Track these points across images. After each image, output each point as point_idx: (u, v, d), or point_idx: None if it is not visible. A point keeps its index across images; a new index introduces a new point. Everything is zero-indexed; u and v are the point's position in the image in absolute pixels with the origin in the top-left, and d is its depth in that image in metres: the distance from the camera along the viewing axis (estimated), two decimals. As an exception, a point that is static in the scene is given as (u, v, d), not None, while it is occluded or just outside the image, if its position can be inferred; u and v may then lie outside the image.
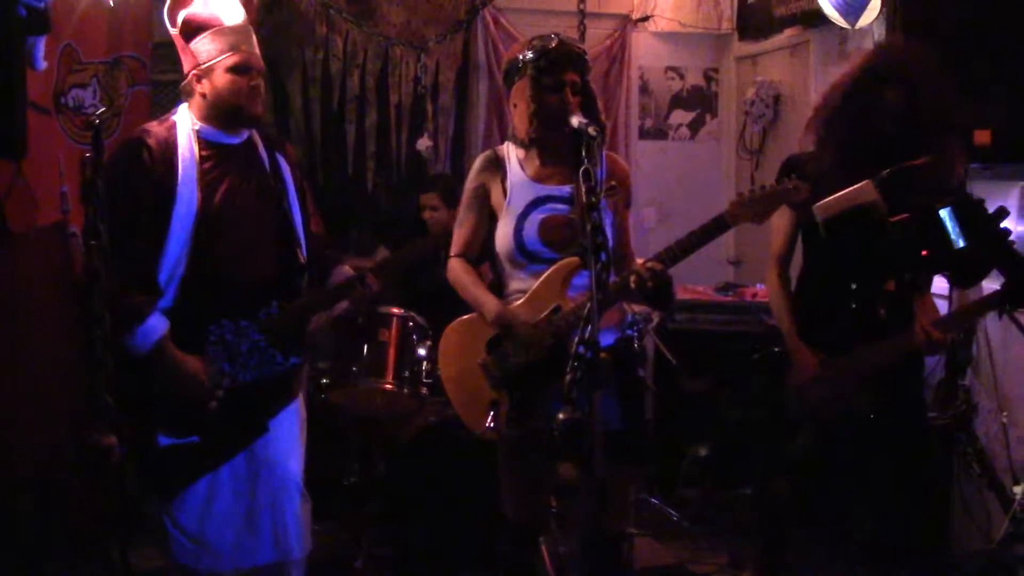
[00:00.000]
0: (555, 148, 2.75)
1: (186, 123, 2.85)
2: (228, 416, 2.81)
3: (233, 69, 2.81)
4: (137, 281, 2.70)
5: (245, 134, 2.94)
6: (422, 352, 3.76)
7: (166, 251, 2.74)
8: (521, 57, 2.75)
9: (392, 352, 3.72)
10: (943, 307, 3.42)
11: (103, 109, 2.45)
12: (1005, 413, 3.72)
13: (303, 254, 2.95)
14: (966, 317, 3.14)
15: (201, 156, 2.81)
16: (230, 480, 2.88)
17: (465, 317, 2.88)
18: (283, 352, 2.88)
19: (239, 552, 2.90)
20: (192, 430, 2.80)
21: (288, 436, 2.96)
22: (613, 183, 2.78)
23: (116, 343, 2.48)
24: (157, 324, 2.72)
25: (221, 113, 2.85)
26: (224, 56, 2.80)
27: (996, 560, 3.52)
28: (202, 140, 2.84)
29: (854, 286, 2.91)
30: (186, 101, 2.89)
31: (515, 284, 2.82)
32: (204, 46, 2.81)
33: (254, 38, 2.89)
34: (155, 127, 2.85)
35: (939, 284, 3.29)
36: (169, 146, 2.78)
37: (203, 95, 2.84)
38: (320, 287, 3.04)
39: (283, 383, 2.93)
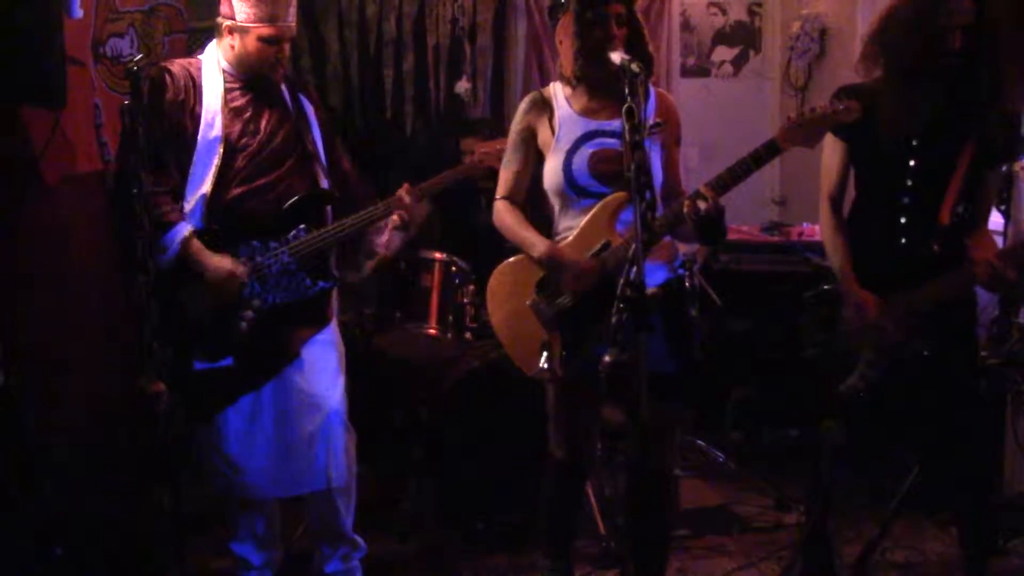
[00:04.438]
0: (602, 83, 2.70)
1: (213, 58, 2.93)
2: (259, 339, 2.88)
3: (265, 39, 2.86)
4: (163, 197, 2.79)
5: None
6: (465, 297, 3.75)
7: (192, 173, 2.83)
8: None
9: (435, 297, 3.72)
10: (998, 243, 3.33)
11: (140, 56, 2.44)
12: (1061, 351, 3.64)
13: (325, 183, 3.01)
14: None
15: (226, 87, 2.90)
16: (270, 409, 2.95)
17: (513, 259, 2.86)
18: (312, 276, 2.92)
19: (280, 481, 2.98)
20: (225, 352, 2.86)
21: (324, 366, 3.01)
22: (659, 120, 2.72)
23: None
24: (181, 227, 2.80)
25: (244, 69, 2.92)
26: (260, 24, 2.85)
27: (1050, 500, 3.48)
28: (227, 74, 2.92)
29: (904, 220, 2.84)
30: (216, 38, 2.95)
31: (565, 222, 2.79)
32: (246, 6, 2.84)
33: (295, 6, 2.93)
34: (178, 60, 2.96)
35: (994, 219, 3.20)
36: (192, 75, 2.88)
37: (232, 47, 2.91)
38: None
39: (312, 308, 2.98)
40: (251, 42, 2.86)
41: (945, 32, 2.67)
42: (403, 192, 2.98)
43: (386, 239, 3.08)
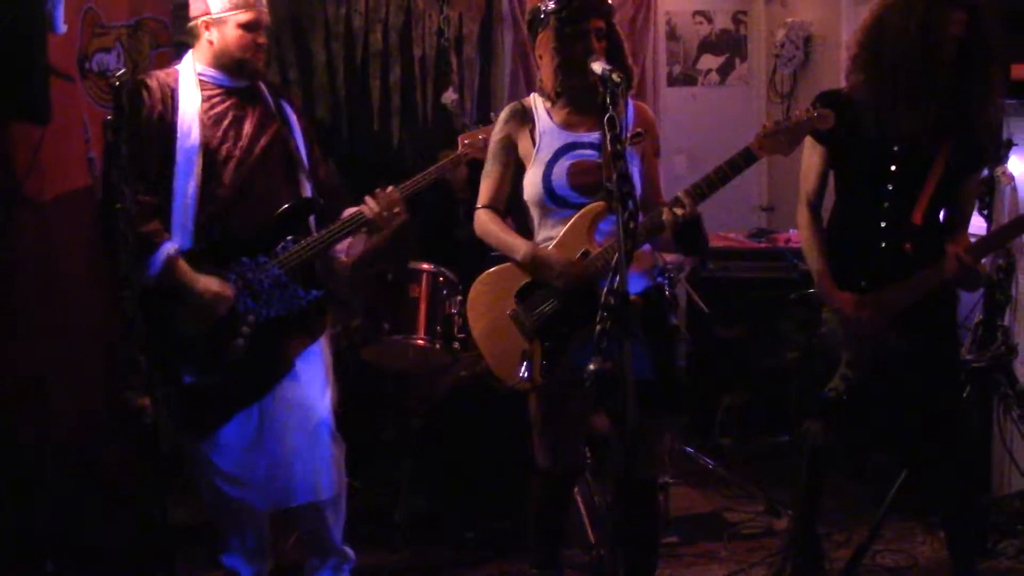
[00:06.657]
0: (582, 96, 2.71)
1: (190, 67, 2.92)
2: (254, 353, 2.87)
3: (244, 25, 2.87)
4: (147, 214, 2.76)
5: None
6: (453, 308, 3.76)
7: (175, 185, 2.81)
8: (543, 7, 2.70)
9: (423, 308, 3.72)
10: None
11: (123, 71, 2.44)
12: (1046, 353, 3.66)
13: (309, 191, 3.01)
14: (998, 240, 3.03)
15: (204, 95, 2.88)
16: (262, 421, 2.94)
17: (493, 269, 2.87)
18: (304, 286, 2.93)
19: (270, 494, 2.98)
20: (215, 368, 2.85)
21: (315, 377, 3.02)
22: (639, 130, 2.74)
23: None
24: (165, 246, 2.78)
25: (226, 63, 2.91)
26: (237, 11, 2.86)
27: (1037, 502, 3.49)
28: (204, 82, 2.90)
29: (883, 224, 2.86)
30: (191, 45, 2.95)
31: (544, 232, 2.80)
32: None
33: None
34: (155, 72, 2.94)
35: (977, 223, 3.22)
36: (169, 85, 2.86)
37: (210, 43, 2.89)
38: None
39: (306, 319, 2.98)
40: (231, 31, 2.86)
41: (941, 44, 2.68)
42: (368, 198, 2.98)
43: (346, 244, 3.08)
